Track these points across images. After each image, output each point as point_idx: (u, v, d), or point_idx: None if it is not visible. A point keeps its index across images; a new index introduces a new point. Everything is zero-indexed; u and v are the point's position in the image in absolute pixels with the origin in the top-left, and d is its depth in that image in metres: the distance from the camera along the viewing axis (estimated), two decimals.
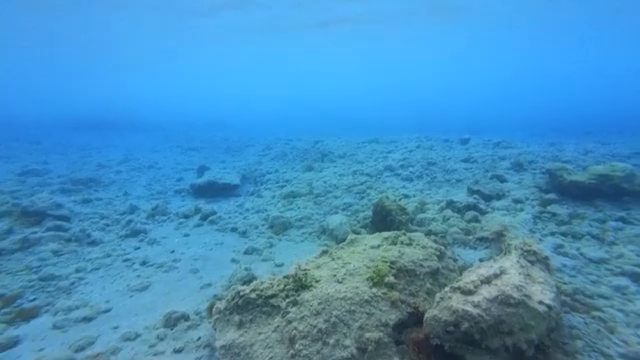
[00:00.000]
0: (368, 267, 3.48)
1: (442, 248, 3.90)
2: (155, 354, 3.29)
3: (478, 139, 14.53)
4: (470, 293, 2.61)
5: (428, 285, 3.46)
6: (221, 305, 3.29)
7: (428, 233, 5.54)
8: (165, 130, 29.17)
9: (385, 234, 4.21)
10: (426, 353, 2.66)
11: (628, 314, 3.11)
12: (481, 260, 4.51)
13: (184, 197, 9.60)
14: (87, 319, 3.87)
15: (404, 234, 4.09)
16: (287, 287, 3.24)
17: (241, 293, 3.22)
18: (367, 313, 2.97)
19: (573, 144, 13.16)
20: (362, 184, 9.09)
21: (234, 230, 7.00)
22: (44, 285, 4.59)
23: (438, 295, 2.82)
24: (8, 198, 7.70)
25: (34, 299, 4.29)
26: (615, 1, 22.26)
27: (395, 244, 3.94)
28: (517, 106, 48.24)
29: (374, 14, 25.45)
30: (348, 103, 66.89)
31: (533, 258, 2.97)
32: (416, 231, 5.47)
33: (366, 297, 3.08)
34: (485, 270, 2.76)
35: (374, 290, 3.15)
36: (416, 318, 3.08)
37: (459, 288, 2.69)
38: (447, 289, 2.80)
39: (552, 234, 5.01)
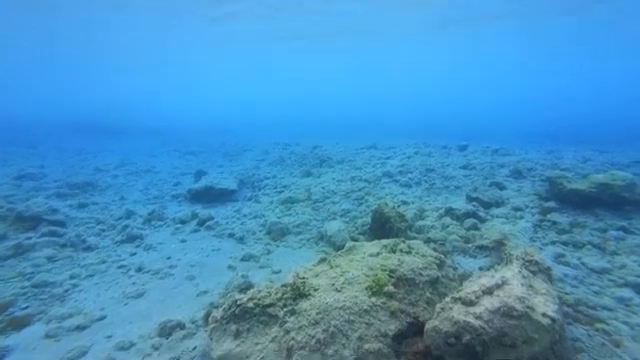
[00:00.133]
0: (367, 276, 3.43)
1: (442, 256, 3.86)
2: None
3: (476, 146, 14.55)
4: (471, 304, 2.57)
5: (428, 294, 3.41)
6: (218, 314, 3.23)
7: (427, 241, 5.50)
8: (163, 134, 29.11)
9: (384, 242, 4.17)
10: None
11: (633, 327, 3.05)
12: (481, 269, 4.47)
13: (181, 202, 9.52)
14: (81, 327, 3.79)
15: (403, 242, 4.05)
16: (285, 296, 3.18)
17: (238, 302, 3.16)
18: (366, 323, 2.92)
19: (571, 152, 13.20)
20: (360, 190, 9.06)
21: (231, 236, 6.93)
22: (37, 292, 4.50)
23: (439, 305, 2.77)
24: (3, 202, 7.61)
25: (26, 307, 4.20)
26: (610, 13, 22.56)
27: (394, 252, 3.90)
28: (514, 113, 48.49)
29: (373, 23, 25.63)
30: (346, 109, 67.09)
31: (535, 268, 2.94)
32: (415, 238, 5.44)
33: (365, 307, 3.03)
34: (486, 280, 2.72)
35: (373, 299, 3.11)
36: (416, 328, 3.03)
37: (460, 299, 2.65)
38: (448, 299, 2.76)
39: (553, 243, 4.98)
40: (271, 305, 3.11)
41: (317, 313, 2.95)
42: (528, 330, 2.30)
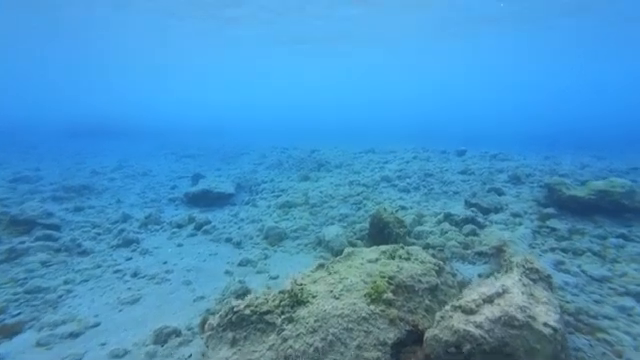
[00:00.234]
0: (366, 282, 3.39)
1: (441, 263, 3.83)
2: None
3: (475, 151, 14.57)
4: (472, 312, 2.54)
5: (427, 302, 3.37)
6: (214, 321, 3.17)
7: (426, 246, 5.48)
8: (161, 136, 29.03)
9: (383, 248, 4.13)
10: None
11: (635, 337, 3.01)
12: (480, 276, 4.44)
13: (178, 206, 9.46)
14: (74, 335, 3.71)
15: (402, 248, 4.01)
16: (282, 303, 3.14)
17: (235, 309, 3.11)
18: (365, 331, 2.88)
19: (569, 158, 13.24)
20: (358, 195, 9.03)
21: (228, 240, 6.88)
22: (30, 298, 4.42)
23: (439, 314, 2.74)
24: None
25: (18, 314, 4.11)
26: (610, 15, 22.71)
27: (393, 258, 3.86)
28: (512, 118, 48.79)
29: (372, 27, 25.74)
30: (344, 113, 67.30)
31: (535, 276, 2.91)
32: (414, 244, 5.40)
33: (364, 314, 2.99)
34: (487, 289, 2.69)
35: (372, 307, 3.07)
36: (415, 336, 2.99)
37: (460, 307, 2.62)
38: (448, 308, 2.72)
39: (552, 250, 4.96)
40: (268, 312, 3.06)
41: (315, 321, 2.90)
42: (530, 340, 2.26)
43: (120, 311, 4.29)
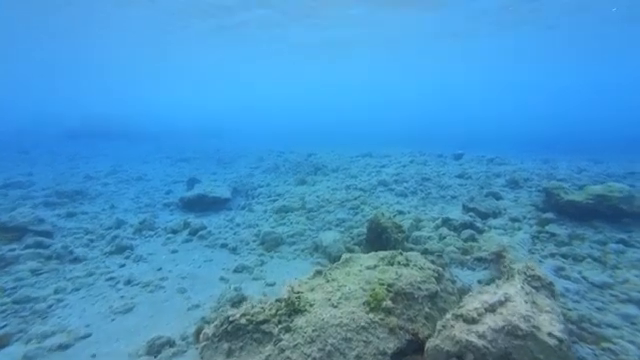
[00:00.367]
0: (364, 290, 3.33)
1: (440, 269, 3.77)
2: None
3: (471, 154, 14.60)
4: (474, 322, 2.48)
5: (427, 309, 3.31)
6: (209, 331, 3.09)
7: (424, 252, 5.41)
8: (156, 139, 28.87)
9: (381, 254, 4.07)
10: None
11: None
12: (480, 282, 4.39)
13: (173, 211, 9.34)
14: (63, 347, 3.58)
15: (401, 254, 3.95)
16: (279, 312, 3.07)
17: (230, 318, 3.04)
18: (364, 341, 2.82)
19: (566, 162, 13.28)
20: (356, 199, 8.97)
21: (224, 246, 6.78)
22: (18, 309, 4.26)
23: (440, 323, 2.68)
24: None
25: (5, 325, 3.96)
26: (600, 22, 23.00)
27: (392, 264, 3.80)
28: (507, 121, 49.11)
29: (369, 32, 25.86)
30: (341, 116, 67.39)
31: (538, 284, 2.86)
32: (412, 249, 5.35)
33: (363, 323, 2.93)
34: (488, 297, 2.64)
35: (371, 316, 3.00)
36: (415, 345, 2.93)
37: (462, 316, 2.56)
38: (449, 316, 2.66)
39: (552, 255, 4.91)
40: (265, 321, 2.99)
41: (313, 330, 2.84)
42: (534, 351, 2.20)
43: (112, 321, 4.17)
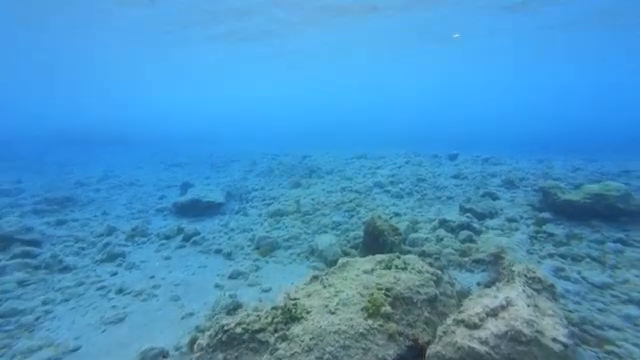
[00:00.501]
0: (362, 295, 3.25)
1: (439, 272, 3.71)
2: None
3: (466, 155, 14.63)
4: (475, 327, 2.41)
5: (426, 314, 3.24)
6: (203, 341, 2.99)
7: (422, 254, 5.36)
8: (149, 144, 28.60)
9: (378, 257, 4.00)
10: None
11: None
12: (479, 284, 4.33)
13: (166, 216, 9.19)
14: None
15: (398, 257, 3.88)
16: (276, 320, 2.97)
17: (225, 327, 2.94)
18: (363, 348, 2.74)
19: (561, 161, 13.34)
20: (351, 201, 8.90)
21: (218, 252, 6.66)
22: (3, 323, 4.09)
23: (440, 329, 2.61)
24: None
25: None
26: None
27: (389, 268, 3.73)
28: (502, 121, 49.52)
29: (366, 36, 25.88)
30: (335, 118, 67.47)
31: (539, 286, 2.80)
32: (409, 252, 5.29)
33: (361, 330, 2.85)
34: (490, 301, 2.57)
35: (370, 322, 2.92)
36: (415, 352, 2.85)
37: (463, 321, 2.49)
38: (450, 322, 2.59)
39: (550, 256, 4.87)
40: (261, 330, 2.90)
41: (310, 339, 2.75)
42: (538, 357, 2.14)
43: (103, 332, 4.04)
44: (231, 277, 5.56)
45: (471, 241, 5.72)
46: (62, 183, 12.71)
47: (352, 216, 7.98)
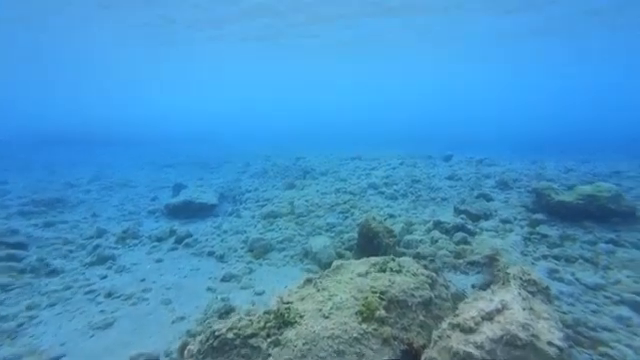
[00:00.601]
0: (356, 299, 3.20)
1: (433, 275, 3.68)
2: None
3: (460, 156, 14.69)
4: (471, 331, 2.37)
5: (421, 317, 3.21)
6: (194, 347, 2.92)
7: (416, 256, 5.33)
8: (141, 145, 28.28)
9: (373, 260, 3.95)
10: None
11: (637, 351, 2.90)
12: (474, 286, 4.31)
13: (158, 218, 9.05)
14: None
15: (393, 260, 3.84)
16: (268, 324, 2.91)
17: (216, 333, 2.86)
18: (357, 353, 2.69)
19: (554, 162, 13.45)
20: (345, 203, 8.86)
21: (211, 254, 6.56)
22: None
23: (435, 333, 2.57)
24: None
25: None
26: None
27: (384, 271, 3.68)
28: (495, 123, 49.82)
29: (363, 36, 25.90)
30: (328, 119, 67.42)
31: (534, 289, 2.78)
32: (404, 254, 5.26)
33: (355, 334, 2.80)
34: (485, 304, 2.54)
35: (364, 326, 2.87)
36: (410, 356, 2.81)
37: (458, 325, 2.45)
38: (445, 326, 2.55)
39: (544, 257, 4.88)
40: (253, 335, 2.83)
41: (304, 344, 2.70)
42: None
43: (91, 337, 3.93)
44: (224, 280, 5.48)
45: (466, 243, 5.71)
46: (50, 184, 12.47)
47: (346, 218, 7.93)
